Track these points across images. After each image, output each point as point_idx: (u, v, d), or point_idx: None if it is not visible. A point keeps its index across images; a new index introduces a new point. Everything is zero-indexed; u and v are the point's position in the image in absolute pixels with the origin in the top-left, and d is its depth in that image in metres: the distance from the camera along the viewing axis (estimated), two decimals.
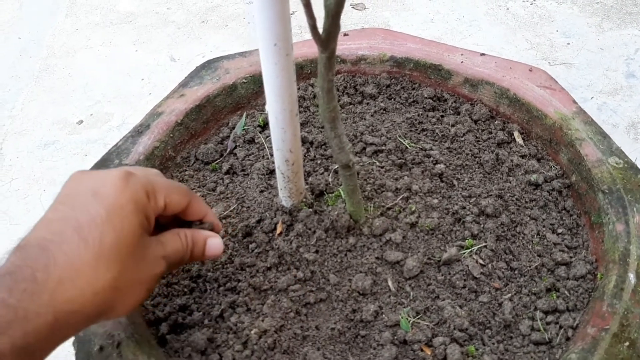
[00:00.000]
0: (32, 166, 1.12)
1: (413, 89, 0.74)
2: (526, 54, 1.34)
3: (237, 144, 0.68)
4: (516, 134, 0.68)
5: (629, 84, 1.25)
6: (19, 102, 1.27)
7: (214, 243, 0.46)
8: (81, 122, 1.22)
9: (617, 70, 1.29)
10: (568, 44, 1.37)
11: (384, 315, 0.52)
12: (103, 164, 0.61)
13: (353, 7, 1.52)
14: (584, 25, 1.43)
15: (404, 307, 0.52)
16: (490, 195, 0.61)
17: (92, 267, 0.36)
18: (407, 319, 0.51)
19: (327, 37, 0.41)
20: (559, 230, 0.59)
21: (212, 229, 0.48)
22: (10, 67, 1.37)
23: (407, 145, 0.67)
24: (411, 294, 0.53)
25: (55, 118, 1.23)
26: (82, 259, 0.35)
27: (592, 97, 1.22)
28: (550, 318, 0.51)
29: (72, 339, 0.47)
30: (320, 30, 0.40)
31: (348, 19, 1.48)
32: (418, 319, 0.51)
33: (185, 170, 0.66)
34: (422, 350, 0.49)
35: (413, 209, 0.59)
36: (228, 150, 0.68)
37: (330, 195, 0.61)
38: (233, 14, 1.52)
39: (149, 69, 1.36)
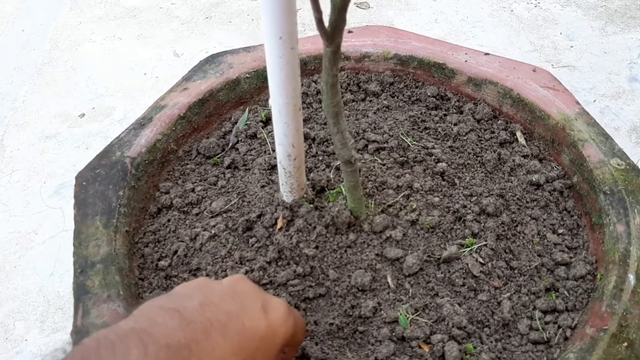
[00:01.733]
0: (33, 158, 1.12)
1: (416, 87, 0.74)
2: (529, 55, 1.33)
3: (239, 139, 0.68)
4: (519, 133, 0.68)
5: (632, 87, 1.25)
6: (22, 94, 1.27)
7: None
8: (83, 115, 1.22)
9: (620, 74, 1.29)
10: (571, 46, 1.37)
11: (382, 312, 0.52)
12: (105, 155, 0.61)
13: (357, 6, 1.52)
14: (587, 28, 1.42)
15: (403, 304, 0.52)
16: (492, 194, 0.61)
17: None
18: (406, 315, 0.51)
19: (333, 31, 0.41)
20: (560, 231, 0.59)
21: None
22: (13, 60, 1.37)
23: (410, 143, 0.67)
24: (410, 291, 0.53)
25: (57, 111, 1.23)
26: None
27: (595, 100, 1.22)
28: (549, 318, 0.51)
29: (69, 329, 0.47)
30: (326, 24, 0.40)
31: (352, 18, 1.47)
32: (417, 315, 0.51)
33: (187, 164, 0.66)
34: (420, 347, 0.49)
35: (414, 207, 0.59)
36: (230, 144, 0.68)
37: (331, 191, 0.61)
38: (237, 10, 1.52)
39: (152, 63, 1.35)
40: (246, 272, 0.54)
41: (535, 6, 1.51)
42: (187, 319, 0.33)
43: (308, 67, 0.75)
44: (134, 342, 0.30)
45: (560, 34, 1.41)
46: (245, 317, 0.36)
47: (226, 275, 0.53)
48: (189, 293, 0.37)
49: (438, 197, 0.61)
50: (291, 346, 0.45)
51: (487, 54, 0.73)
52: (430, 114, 0.71)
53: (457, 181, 0.63)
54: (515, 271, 0.55)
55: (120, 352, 0.29)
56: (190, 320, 0.33)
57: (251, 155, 0.66)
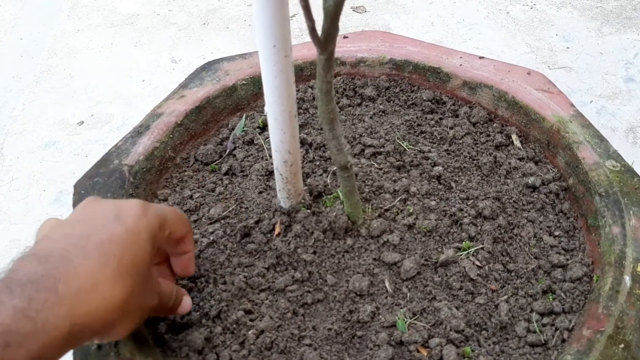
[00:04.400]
0: (33, 166, 1.13)
1: (412, 91, 0.75)
2: (526, 57, 1.34)
3: (237, 145, 0.69)
4: (514, 136, 0.68)
5: (628, 88, 1.26)
6: (20, 103, 1.28)
7: (187, 302, 0.49)
8: (82, 122, 1.23)
9: (616, 74, 1.29)
10: (568, 48, 1.37)
11: (380, 316, 0.52)
12: (103, 164, 0.61)
13: (354, 10, 1.52)
14: (583, 29, 1.43)
15: (401, 308, 0.52)
16: (488, 197, 0.61)
17: (110, 282, 0.36)
18: (404, 319, 0.51)
19: (326, 39, 0.41)
20: (556, 233, 0.59)
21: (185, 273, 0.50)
22: (12, 68, 1.38)
23: (406, 148, 0.67)
24: (408, 295, 0.54)
25: (56, 119, 1.24)
26: (102, 273, 0.36)
27: (592, 101, 1.22)
28: (546, 320, 0.51)
29: None
30: (319, 32, 0.40)
31: (349, 22, 1.48)
32: (414, 320, 0.51)
33: (185, 171, 0.66)
34: (418, 351, 0.49)
35: (411, 211, 0.59)
36: (227, 151, 0.68)
37: (328, 196, 0.61)
38: (234, 16, 1.53)
39: (150, 70, 1.36)
40: (244, 278, 0.54)
41: (531, 8, 1.51)
42: (43, 255, 0.35)
43: (304, 73, 0.75)
44: None
45: (556, 35, 1.41)
46: (101, 232, 0.38)
47: (225, 282, 0.54)
48: (44, 237, 0.39)
49: (435, 200, 0.61)
50: (175, 240, 0.46)
51: (481, 57, 0.73)
52: (426, 118, 0.72)
53: (453, 185, 0.63)
54: (512, 274, 0.56)
55: None
56: (46, 255, 0.36)
57: (248, 161, 0.67)
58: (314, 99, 0.74)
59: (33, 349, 0.32)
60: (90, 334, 0.37)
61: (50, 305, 0.33)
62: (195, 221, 0.61)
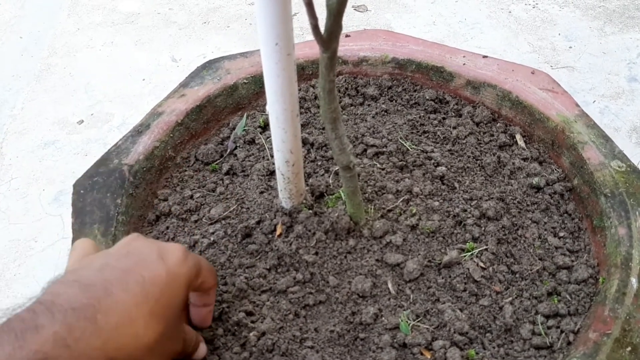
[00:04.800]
0: (32, 165, 1.12)
1: (415, 90, 0.74)
2: (528, 57, 1.33)
3: (238, 145, 0.68)
4: (518, 136, 0.68)
5: (631, 87, 1.25)
6: (20, 102, 1.27)
7: (203, 349, 0.48)
8: (82, 121, 1.22)
9: (619, 74, 1.28)
10: (570, 47, 1.36)
11: (383, 318, 0.51)
12: (102, 163, 0.60)
13: (355, 9, 1.52)
14: (586, 28, 1.42)
15: (404, 310, 0.52)
16: (492, 198, 0.61)
17: (146, 320, 0.37)
18: (407, 322, 0.50)
19: (329, 37, 0.40)
20: (561, 234, 0.59)
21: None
22: (12, 67, 1.37)
23: (409, 147, 0.66)
24: (411, 296, 0.53)
25: (55, 118, 1.23)
26: (139, 310, 0.36)
27: (594, 101, 1.21)
28: (551, 322, 0.51)
29: None
30: (322, 30, 0.40)
31: (350, 21, 1.47)
32: (418, 322, 0.51)
33: (185, 170, 0.66)
34: (421, 353, 0.48)
35: (414, 212, 0.59)
36: (228, 150, 0.68)
37: (330, 196, 0.60)
38: (235, 15, 1.52)
39: (150, 69, 1.35)
40: (245, 279, 0.53)
41: (534, 7, 1.51)
42: (86, 283, 0.36)
43: (306, 72, 0.75)
44: (40, 310, 0.33)
45: (559, 34, 1.41)
46: (143, 269, 0.38)
47: (225, 284, 0.53)
48: (85, 264, 0.39)
49: (438, 201, 0.60)
50: (203, 290, 0.46)
51: (485, 56, 0.72)
52: (429, 118, 0.71)
53: (456, 185, 0.63)
54: (517, 275, 0.55)
55: (29, 320, 0.32)
56: (89, 284, 0.36)
57: (249, 161, 0.66)
58: (315, 98, 0.74)
59: None
60: None
61: (88, 335, 0.33)
62: (195, 221, 0.60)
